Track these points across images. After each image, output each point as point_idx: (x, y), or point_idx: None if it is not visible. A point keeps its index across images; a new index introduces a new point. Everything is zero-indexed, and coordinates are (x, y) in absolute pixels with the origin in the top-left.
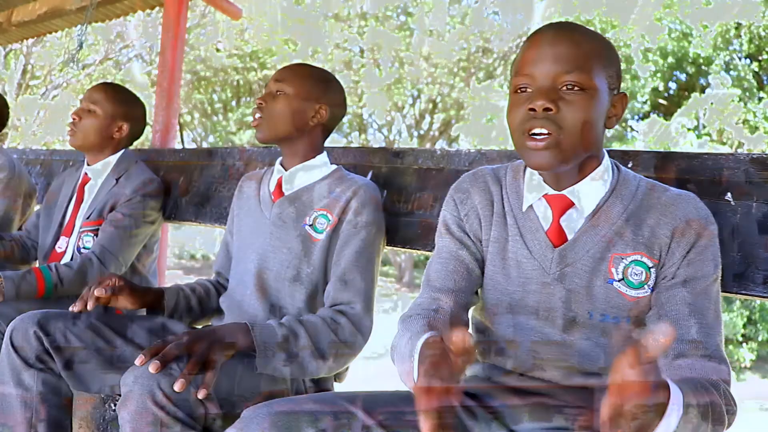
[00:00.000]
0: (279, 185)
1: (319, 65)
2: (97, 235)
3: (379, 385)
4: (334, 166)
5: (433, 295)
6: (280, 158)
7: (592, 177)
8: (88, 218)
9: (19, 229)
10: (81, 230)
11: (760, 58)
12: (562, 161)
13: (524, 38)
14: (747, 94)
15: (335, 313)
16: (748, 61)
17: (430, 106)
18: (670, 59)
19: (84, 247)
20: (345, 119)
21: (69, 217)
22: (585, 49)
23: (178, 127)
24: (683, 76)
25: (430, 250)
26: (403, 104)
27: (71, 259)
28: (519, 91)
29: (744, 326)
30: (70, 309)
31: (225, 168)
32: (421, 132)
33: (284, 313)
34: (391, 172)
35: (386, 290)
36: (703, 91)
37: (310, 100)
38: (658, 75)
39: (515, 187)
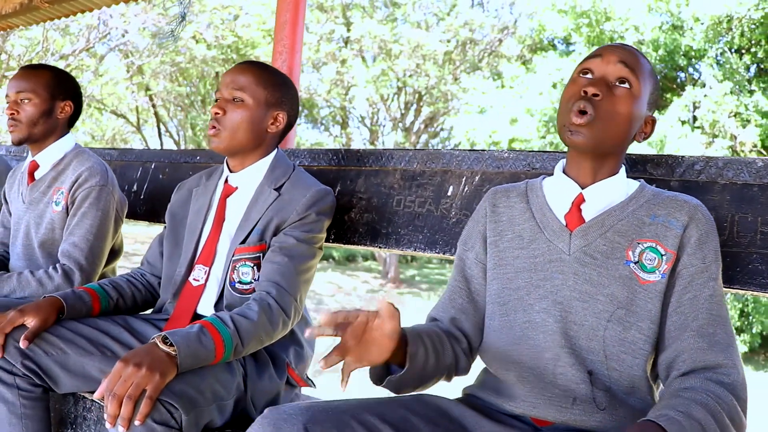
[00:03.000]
0: (576, 207)
1: (305, 57)
2: (258, 266)
3: None
4: (633, 182)
5: None
6: (556, 173)
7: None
8: (243, 242)
9: (112, 256)
10: (234, 259)
11: (752, 50)
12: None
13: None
14: (738, 87)
15: (717, 387)
16: (738, 54)
17: (416, 98)
18: (662, 51)
19: (241, 281)
20: (329, 112)
21: (206, 240)
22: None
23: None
24: (675, 69)
25: None
26: (389, 97)
27: (221, 296)
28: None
29: (738, 318)
30: None
31: (409, 176)
32: (406, 125)
33: (608, 385)
34: None
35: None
36: (695, 83)
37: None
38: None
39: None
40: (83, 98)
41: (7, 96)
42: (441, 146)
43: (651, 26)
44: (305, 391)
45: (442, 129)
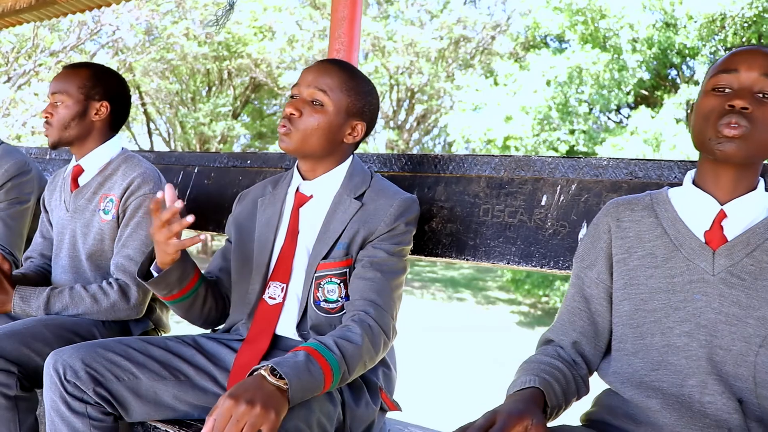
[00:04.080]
0: (718, 224)
1: (298, 54)
2: (345, 282)
3: None
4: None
5: None
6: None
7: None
8: (325, 257)
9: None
10: (317, 275)
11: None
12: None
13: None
14: None
15: None
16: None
17: (408, 95)
18: (655, 49)
19: (327, 300)
20: None
21: (279, 255)
22: None
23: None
24: (669, 67)
25: None
26: (381, 95)
27: (303, 316)
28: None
29: None
30: None
31: (495, 183)
32: (399, 122)
33: (759, 415)
34: None
35: None
36: (688, 81)
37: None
38: (644, 65)
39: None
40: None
41: (48, 96)
42: (434, 144)
43: (646, 24)
44: (392, 414)
45: (434, 126)
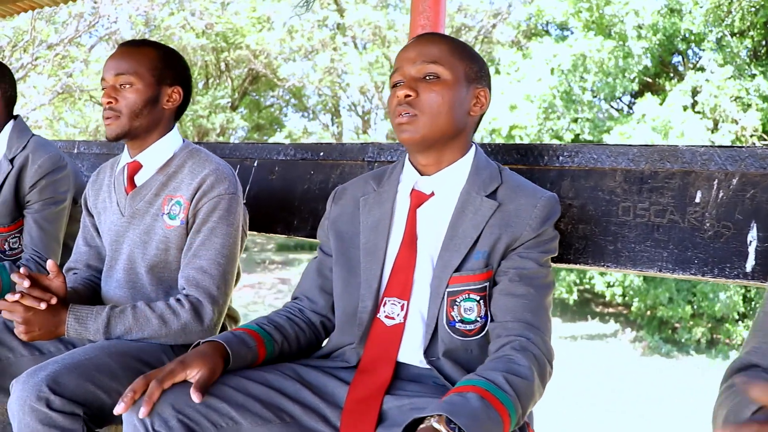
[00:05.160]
0: None
1: (297, 45)
2: (485, 299)
3: None
4: None
5: None
6: None
7: None
8: (458, 269)
9: None
10: (451, 291)
11: (751, 34)
12: None
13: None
14: (738, 71)
15: None
16: (740, 37)
17: None
18: (660, 36)
19: (463, 320)
20: (320, 101)
21: (395, 265)
22: None
23: None
24: (674, 54)
25: None
26: (382, 85)
27: (432, 339)
28: None
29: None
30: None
31: (635, 177)
32: None
33: None
34: None
35: None
36: (694, 68)
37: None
38: (650, 52)
39: None
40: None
41: (103, 80)
42: None
43: (651, 10)
44: None
45: None
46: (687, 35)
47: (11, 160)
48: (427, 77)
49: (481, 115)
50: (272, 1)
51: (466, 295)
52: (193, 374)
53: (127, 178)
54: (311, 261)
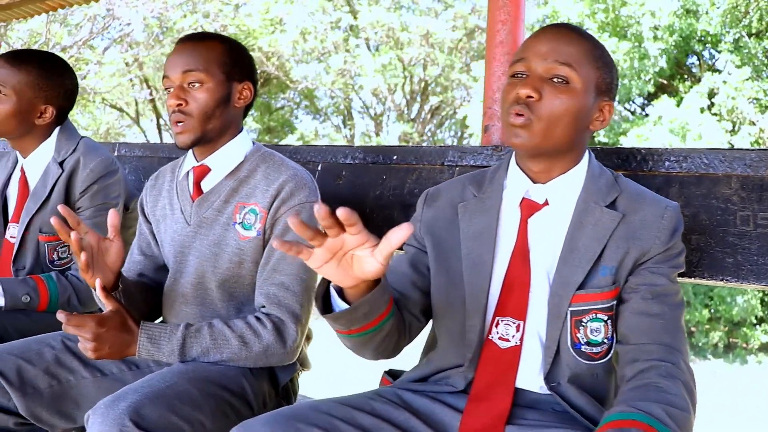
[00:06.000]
0: None
1: (311, 47)
2: (612, 318)
3: None
4: None
5: None
6: None
7: None
8: (582, 287)
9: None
10: (575, 310)
11: None
12: None
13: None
14: (756, 72)
15: None
16: (757, 38)
17: (422, 87)
18: (677, 37)
19: (590, 342)
20: (332, 103)
21: (506, 280)
22: None
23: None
24: (690, 55)
25: None
26: (395, 87)
27: (553, 363)
28: None
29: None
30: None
31: (754, 184)
32: (412, 115)
33: None
34: None
35: None
36: (711, 69)
37: None
38: (665, 54)
39: None
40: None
41: (167, 79)
42: (449, 136)
43: (668, 11)
44: None
45: (449, 118)
46: (703, 36)
47: (61, 164)
48: (555, 80)
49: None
50: (285, 3)
51: (593, 314)
52: None
53: (193, 184)
54: (397, 256)
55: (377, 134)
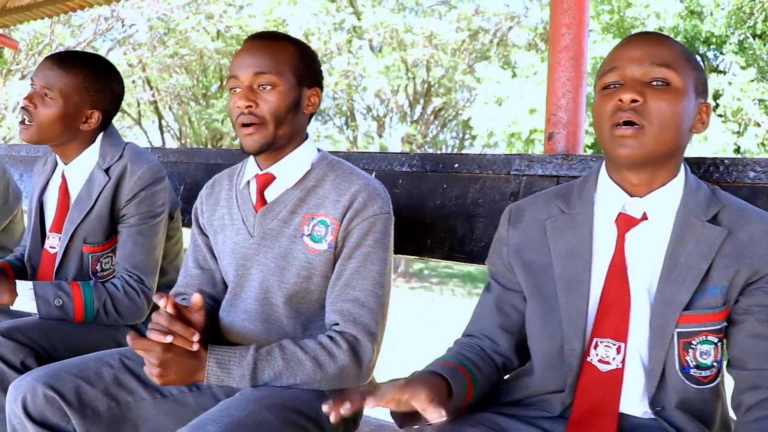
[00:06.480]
0: None
1: (314, 48)
2: (721, 340)
3: None
4: None
5: None
6: None
7: None
8: (688, 307)
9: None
10: (683, 331)
11: None
12: None
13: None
14: (761, 73)
15: None
16: (762, 39)
17: (425, 89)
18: (681, 38)
19: (699, 365)
20: (334, 104)
21: (602, 300)
22: None
23: None
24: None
25: None
26: (398, 88)
27: (659, 386)
28: None
29: None
30: None
31: None
32: (415, 117)
33: None
34: None
35: None
36: (716, 71)
37: None
38: None
39: None
40: None
41: (235, 79)
42: (452, 138)
43: (672, 13)
44: None
45: (452, 120)
46: (708, 38)
47: (106, 171)
48: (654, 83)
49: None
50: (288, 4)
51: (704, 337)
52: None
53: (257, 193)
54: (483, 294)
55: (380, 136)
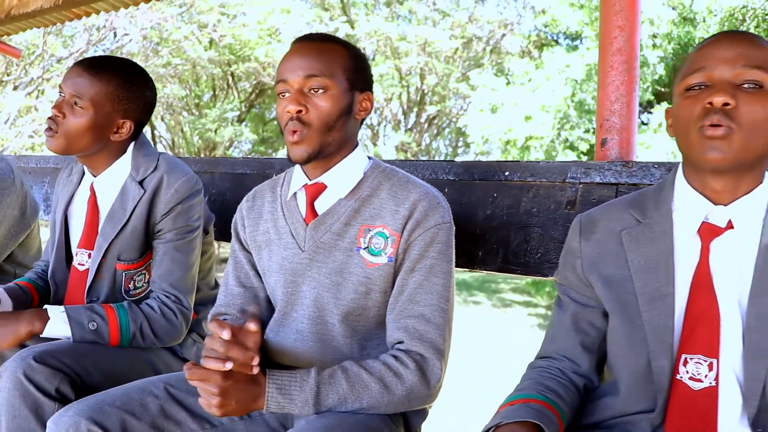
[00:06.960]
0: None
1: None
2: None
3: None
4: None
5: None
6: None
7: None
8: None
9: None
10: None
11: None
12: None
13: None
14: None
15: None
16: None
17: (419, 96)
18: (675, 45)
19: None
20: None
21: (686, 314)
22: None
23: None
24: None
25: None
26: (392, 96)
27: (760, 408)
28: None
29: None
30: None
31: None
32: (409, 124)
33: None
34: None
35: None
36: None
37: None
38: (664, 62)
39: None
40: None
41: (284, 82)
42: (446, 146)
43: (666, 19)
44: None
45: (446, 128)
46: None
47: (141, 183)
48: (746, 85)
49: None
50: (281, 13)
51: None
52: None
53: (307, 205)
54: (556, 312)
55: (374, 144)
